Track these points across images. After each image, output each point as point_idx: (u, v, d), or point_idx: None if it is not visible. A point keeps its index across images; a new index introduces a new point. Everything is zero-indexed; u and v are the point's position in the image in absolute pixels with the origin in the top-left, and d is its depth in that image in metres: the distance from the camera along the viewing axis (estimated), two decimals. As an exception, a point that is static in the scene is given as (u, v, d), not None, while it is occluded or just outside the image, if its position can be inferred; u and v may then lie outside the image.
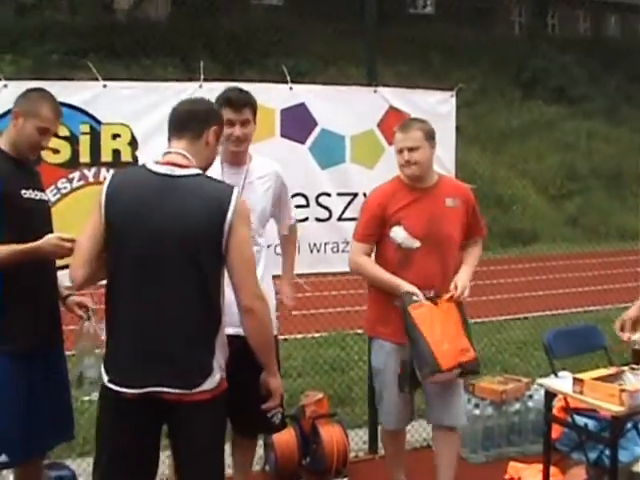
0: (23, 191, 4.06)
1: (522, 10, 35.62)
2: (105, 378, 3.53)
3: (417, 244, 4.75)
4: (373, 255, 4.96)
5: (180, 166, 3.54)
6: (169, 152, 3.63)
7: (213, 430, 3.60)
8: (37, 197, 4.15)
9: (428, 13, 30.30)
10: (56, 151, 5.13)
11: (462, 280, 4.81)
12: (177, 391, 3.44)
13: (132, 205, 3.47)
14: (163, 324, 3.43)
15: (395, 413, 5.01)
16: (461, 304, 4.78)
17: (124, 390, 3.46)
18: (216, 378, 3.53)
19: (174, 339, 3.44)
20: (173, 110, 3.75)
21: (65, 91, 5.08)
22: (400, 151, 4.79)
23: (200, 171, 3.58)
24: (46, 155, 5.06)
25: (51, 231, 4.17)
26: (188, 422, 3.52)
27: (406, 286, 4.70)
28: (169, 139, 3.69)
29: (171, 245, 3.41)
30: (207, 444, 3.57)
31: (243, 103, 4.52)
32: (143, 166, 3.63)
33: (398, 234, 4.77)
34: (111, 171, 4.84)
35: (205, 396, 3.48)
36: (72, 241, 3.78)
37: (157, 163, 3.58)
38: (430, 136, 4.83)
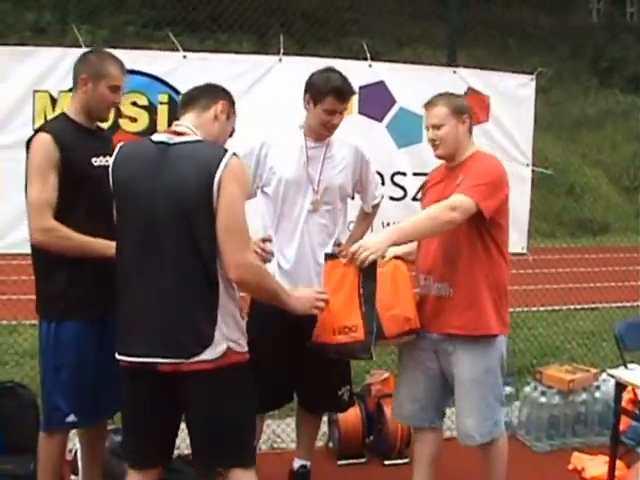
0: (94, 159, 4.10)
1: (601, -2, 35.04)
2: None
3: None
4: None
5: (179, 134, 3.50)
6: (174, 124, 3.62)
7: (220, 401, 3.46)
8: (108, 164, 4.17)
9: (506, -2, 29.87)
10: (134, 120, 5.17)
11: (366, 240, 4.12)
12: (172, 361, 3.39)
13: (131, 177, 3.47)
14: (158, 295, 3.40)
15: (402, 400, 4.59)
16: (366, 271, 3.96)
17: (125, 359, 3.49)
18: (220, 348, 3.41)
19: (168, 309, 3.39)
20: (182, 95, 3.78)
21: (144, 59, 5.13)
22: (427, 128, 4.40)
23: (200, 138, 3.51)
24: (124, 123, 5.12)
25: None
26: (190, 392, 3.47)
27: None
28: (177, 118, 3.70)
29: (165, 214, 3.36)
30: (210, 415, 3.48)
31: (351, 95, 4.48)
32: (148, 137, 3.62)
33: None
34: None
35: (205, 366, 3.39)
36: None
37: (159, 133, 3.60)
38: (458, 110, 4.30)
